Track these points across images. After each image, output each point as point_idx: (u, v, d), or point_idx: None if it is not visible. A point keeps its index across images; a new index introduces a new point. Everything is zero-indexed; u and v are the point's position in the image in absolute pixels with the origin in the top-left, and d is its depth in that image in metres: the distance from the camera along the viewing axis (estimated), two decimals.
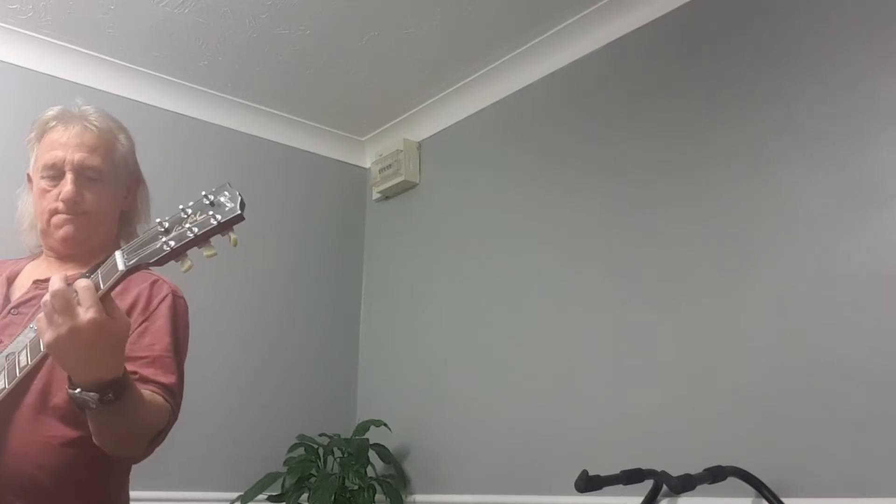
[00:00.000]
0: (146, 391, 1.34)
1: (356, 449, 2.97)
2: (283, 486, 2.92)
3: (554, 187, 2.84)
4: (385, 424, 3.09)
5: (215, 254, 1.13)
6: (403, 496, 2.95)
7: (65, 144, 1.49)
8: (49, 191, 1.50)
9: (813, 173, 2.11)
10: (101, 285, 1.15)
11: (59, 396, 1.34)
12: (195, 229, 1.10)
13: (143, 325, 1.44)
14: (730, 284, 2.24)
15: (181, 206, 1.12)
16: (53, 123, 1.53)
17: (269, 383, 3.26)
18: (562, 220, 2.78)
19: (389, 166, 3.46)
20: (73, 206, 1.48)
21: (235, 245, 1.11)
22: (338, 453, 3.05)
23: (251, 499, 2.87)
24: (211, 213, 1.10)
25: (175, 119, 3.24)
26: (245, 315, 3.27)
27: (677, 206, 2.43)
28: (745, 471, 1.97)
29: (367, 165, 3.75)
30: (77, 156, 1.48)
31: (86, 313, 1.12)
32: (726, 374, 2.19)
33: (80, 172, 1.49)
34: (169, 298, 1.51)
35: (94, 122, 1.53)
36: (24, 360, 1.25)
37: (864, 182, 2.01)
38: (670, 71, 2.56)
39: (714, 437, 2.16)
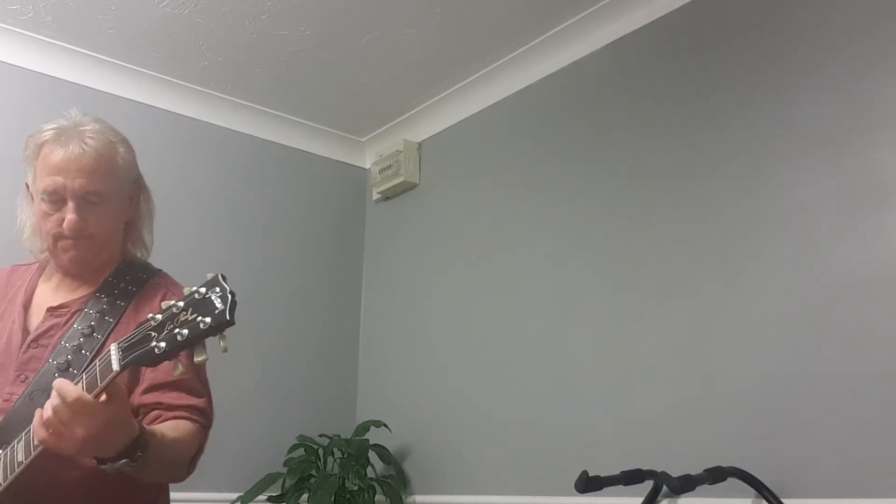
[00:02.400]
0: (170, 422, 1.37)
1: (356, 449, 2.97)
2: (283, 486, 2.92)
3: (554, 188, 2.84)
4: (385, 425, 3.08)
5: (206, 359, 1.14)
6: (403, 497, 2.95)
7: (63, 170, 1.45)
8: (51, 214, 1.48)
9: (813, 173, 2.11)
10: (99, 382, 1.19)
11: None
12: (185, 332, 1.10)
13: None
14: (730, 285, 2.24)
15: (171, 302, 1.13)
16: (50, 142, 1.49)
17: (269, 383, 3.26)
18: (562, 220, 2.78)
19: (389, 167, 3.46)
20: (78, 233, 1.48)
21: (225, 351, 1.11)
22: (338, 454, 3.05)
23: (251, 499, 2.87)
24: (200, 316, 1.09)
25: (175, 119, 3.24)
26: (245, 315, 3.24)
27: (677, 207, 2.43)
28: (745, 471, 1.97)
29: (367, 166, 3.75)
30: (77, 182, 1.46)
31: (93, 421, 1.16)
32: (726, 375, 2.19)
33: (82, 198, 1.47)
34: None
35: (92, 142, 1.48)
36: (21, 456, 1.28)
37: (864, 182, 2.01)
38: (670, 71, 2.56)
39: (714, 437, 2.16)
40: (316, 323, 3.47)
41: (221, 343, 1.11)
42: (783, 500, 1.92)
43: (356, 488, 2.92)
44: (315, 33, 2.91)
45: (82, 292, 1.53)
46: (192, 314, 1.10)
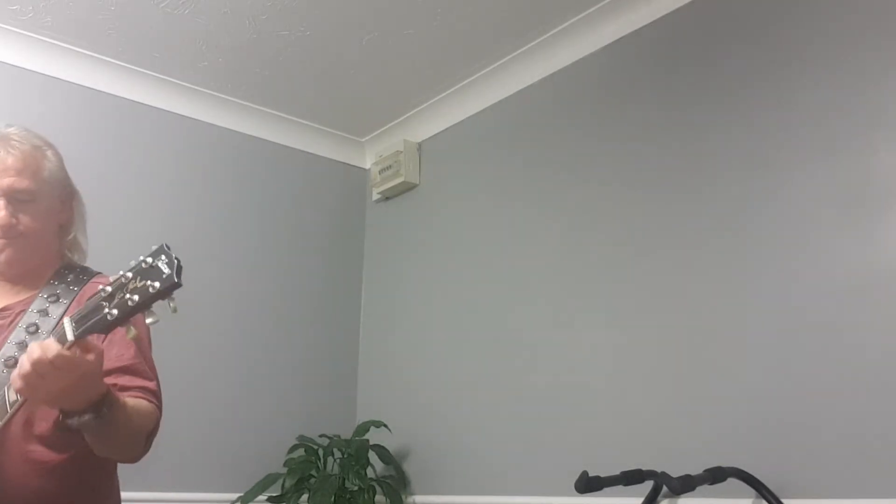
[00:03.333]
0: (129, 398, 1.41)
1: (356, 450, 2.97)
2: (283, 486, 2.92)
3: (554, 188, 2.84)
4: (385, 425, 3.08)
5: (157, 320, 1.17)
6: (403, 497, 2.95)
7: None
8: None
9: (813, 173, 2.11)
10: None
11: (41, 426, 1.41)
12: (135, 297, 1.14)
13: (107, 338, 1.47)
14: (730, 285, 2.24)
15: (122, 272, 1.17)
16: None
17: (268, 384, 3.26)
18: (561, 220, 2.78)
19: (389, 167, 3.46)
20: (9, 231, 1.51)
21: (175, 312, 1.15)
22: (338, 454, 3.05)
23: (251, 500, 2.87)
24: (149, 281, 1.13)
25: (174, 120, 3.24)
26: (245, 315, 3.27)
27: (677, 206, 2.43)
28: (745, 471, 1.97)
29: (367, 166, 3.75)
30: (5, 181, 1.50)
31: (70, 374, 1.21)
32: (726, 375, 2.19)
33: (11, 196, 1.50)
34: None
35: (17, 145, 1.53)
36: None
37: (865, 182, 2.01)
38: (669, 72, 2.56)
39: (714, 437, 2.16)
40: (316, 323, 3.47)
41: (171, 304, 1.15)
42: (783, 500, 1.92)
43: (356, 488, 2.92)
44: (315, 33, 2.91)
45: (24, 295, 1.56)
46: (140, 281, 1.14)
